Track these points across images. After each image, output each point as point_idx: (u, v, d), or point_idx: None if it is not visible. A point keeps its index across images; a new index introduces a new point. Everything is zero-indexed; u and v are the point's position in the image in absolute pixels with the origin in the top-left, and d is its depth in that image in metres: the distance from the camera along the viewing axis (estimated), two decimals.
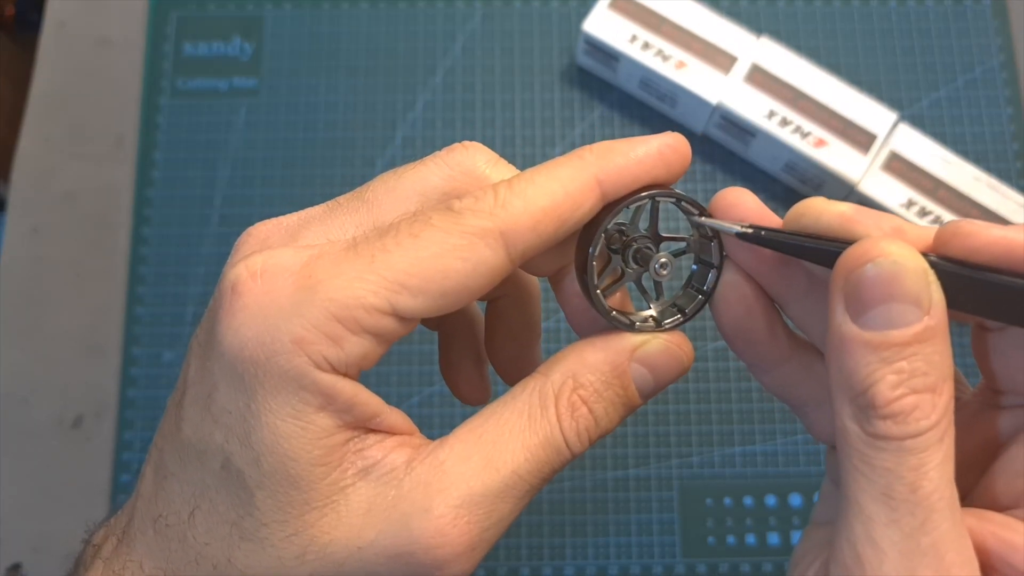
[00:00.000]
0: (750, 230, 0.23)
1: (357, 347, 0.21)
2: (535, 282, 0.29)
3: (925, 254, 0.20)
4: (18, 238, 0.52)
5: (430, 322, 0.30)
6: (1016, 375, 0.22)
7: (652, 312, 0.25)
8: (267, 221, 0.24)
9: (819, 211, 0.22)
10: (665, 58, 0.50)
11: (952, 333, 0.20)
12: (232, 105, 0.54)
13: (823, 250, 0.21)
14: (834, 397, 0.20)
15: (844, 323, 0.19)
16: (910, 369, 0.19)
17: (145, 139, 0.54)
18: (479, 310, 0.30)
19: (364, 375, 0.22)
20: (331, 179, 0.53)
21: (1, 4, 0.99)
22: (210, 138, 0.54)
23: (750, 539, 0.46)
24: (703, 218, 0.24)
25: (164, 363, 0.50)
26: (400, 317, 0.21)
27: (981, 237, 0.20)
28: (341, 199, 0.24)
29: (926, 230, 0.21)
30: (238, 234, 0.24)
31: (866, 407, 0.19)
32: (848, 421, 0.19)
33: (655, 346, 0.24)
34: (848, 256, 0.20)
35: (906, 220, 0.21)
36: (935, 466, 0.19)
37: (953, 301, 0.19)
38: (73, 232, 0.52)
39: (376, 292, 0.21)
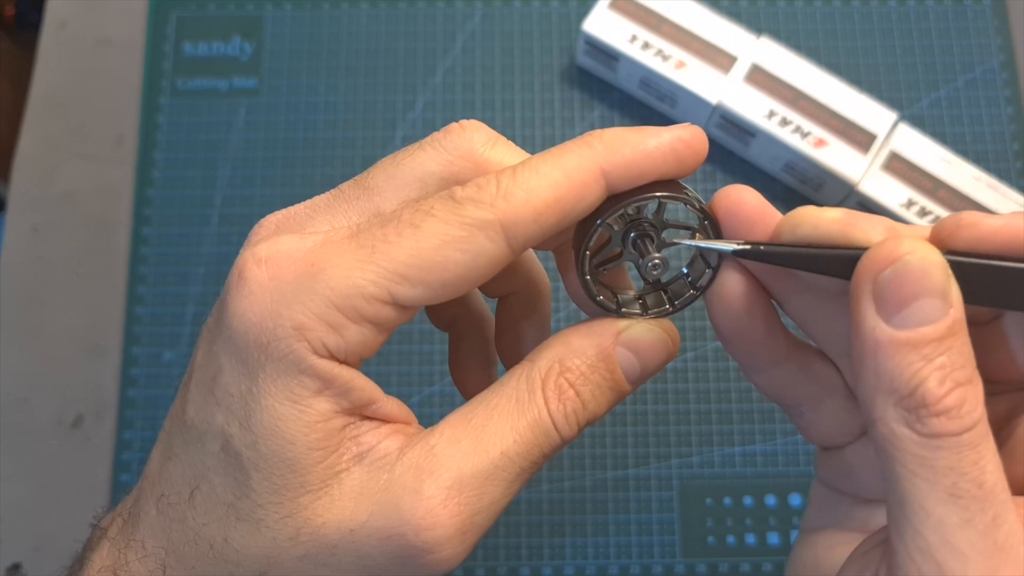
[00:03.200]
0: (748, 247, 0.22)
1: (357, 335, 0.21)
2: (545, 280, 0.29)
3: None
4: (18, 238, 0.52)
5: (440, 323, 0.30)
6: (1010, 362, 0.23)
7: (643, 297, 0.25)
8: (277, 212, 0.24)
9: (816, 220, 0.21)
10: (665, 58, 0.50)
11: None
12: (232, 105, 0.54)
13: (833, 257, 0.21)
14: (872, 404, 0.19)
15: (877, 326, 0.19)
16: (951, 363, 0.19)
17: (145, 139, 0.54)
18: (489, 310, 0.30)
19: (366, 374, 0.23)
20: (331, 179, 0.53)
21: (1, 4, 0.99)
22: (210, 138, 0.54)
23: (750, 539, 0.46)
24: (697, 241, 0.23)
25: (164, 363, 0.50)
26: (400, 306, 0.22)
27: (984, 227, 0.20)
28: (344, 187, 0.24)
29: (918, 229, 0.21)
30: (238, 234, 0.24)
31: (915, 407, 0.19)
32: (897, 425, 0.19)
33: (639, 330, 0.24)
34: (873, 258, 0.19)
35: (895, 220, 0.21)
36: (991, 458, 0.19)
37: (964, 295, 0.19)
38: (73, 232, 0.52)
39: (376, 282, 0.21)
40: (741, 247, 0.22)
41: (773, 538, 0.46)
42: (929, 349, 0.19)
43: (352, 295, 0.21)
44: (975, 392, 0.19)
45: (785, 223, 0.22)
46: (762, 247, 0.22)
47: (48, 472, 0.48)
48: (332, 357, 0.21)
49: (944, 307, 0.19)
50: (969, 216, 0.20)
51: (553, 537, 0.47)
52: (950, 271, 0.19)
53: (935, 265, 0.19)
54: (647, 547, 0.46)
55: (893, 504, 0.19)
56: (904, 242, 0.19)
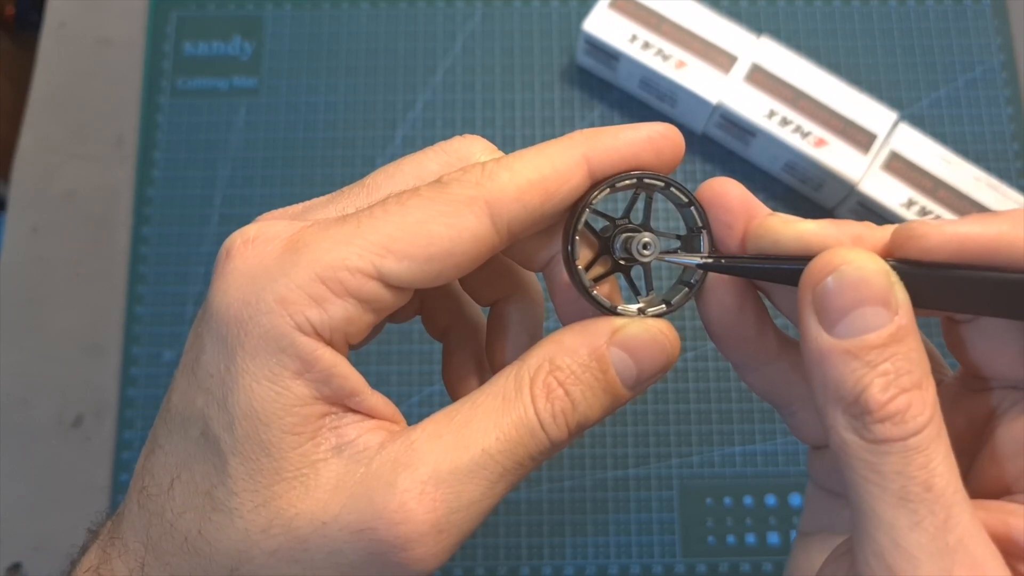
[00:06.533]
0: (711, 260, 0.23)
1: (341, 310, 0.21)
2: (537, 285, 0.29)
3: (885, 258, 0.20)
4: (18, 238, 0.52)
5: (435, 331, 0.30)
6: (988, 361, 0.23)
7: (639, 305, 0.25)
8: (273, 211, 0.25)
9: (777, 233, 0.22)
10: (665, 58, 0.50)
11: (927, 323, 0.20)
12: (232, 105, 0.54)
13: (785, 270, 0.21)
14: (824, 412, 0.20)
15: (820, 336, 0.19)
16: (895, 369, 0.19)
17: (145, 139, 0.54)
18: (482, 318, 0.30)
19: (364, 374, 0.22)
20: (331, 179, 0.53)
21: (1, 4, 0.99)
22: (210, 138, 0.54)
23: (750, 539, 0.46)
24: (667, 254, 0.24)
25: (164, 363, 0.50)
26: (386, 283, 0.21)
27: (933, 238, 0.20)
28: (344, 189, 0.25)
29: (885, 231, 0.21)
30: None
31: (861, 414, 0.19)
32: (845, 432, 0.19)
33: (634, 330, 0.23)
34: (812, 269, 0.20)
35: (869, 224, 0.22)
36: (941, 460, 0.19)
37: (918, 300, 0.20)
38: (73, 232, 0.52)
39: (360, 255, 0.21)
40: (705, 260, 0.23)
41: (773, 538, 0.46)
42: (872, 356, 0.19)
43: (336, 267, 0.21)
44: (922, 396, 0.19)
45: (750, 234, 0.22)
46: (723, 260, 0.23)
47: (48, 472, 0.48)
48: (316, 334, 0.21)
49: (887, 314, 0.19)
50: (919, 227, 0.20)
51: (553, 537, 0.47)
52: (894, 278, 0.19)
53: (874, 273, 0.19)
54: (647, 547, 0.46)
55: (852, 508, 0.20)
56: (841, 252, 0.19)
